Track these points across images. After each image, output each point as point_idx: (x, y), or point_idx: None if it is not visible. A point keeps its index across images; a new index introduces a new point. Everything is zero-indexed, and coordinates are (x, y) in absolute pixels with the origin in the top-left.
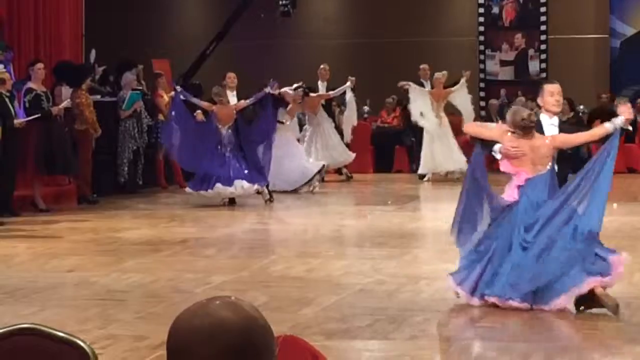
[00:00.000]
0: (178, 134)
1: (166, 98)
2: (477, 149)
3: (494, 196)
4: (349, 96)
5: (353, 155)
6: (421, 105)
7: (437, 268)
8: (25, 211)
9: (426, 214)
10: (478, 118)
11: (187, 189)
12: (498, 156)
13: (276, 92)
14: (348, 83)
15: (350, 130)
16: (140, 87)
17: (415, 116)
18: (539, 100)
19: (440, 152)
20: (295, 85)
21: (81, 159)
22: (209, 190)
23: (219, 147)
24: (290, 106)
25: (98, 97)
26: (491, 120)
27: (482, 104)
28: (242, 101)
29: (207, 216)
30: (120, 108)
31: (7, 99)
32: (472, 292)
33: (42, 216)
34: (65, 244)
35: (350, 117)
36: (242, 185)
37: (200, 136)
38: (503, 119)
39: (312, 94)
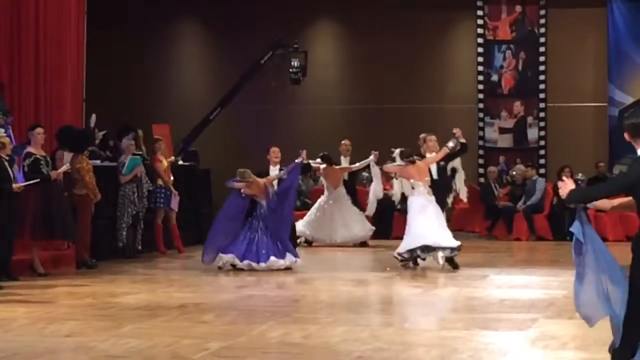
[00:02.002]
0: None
1: (165, 163)
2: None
3: None
4: (375, 169)
5: (373, 228)
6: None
7: (436, 335)
8: (23, 275)
9: (424, 281)
10: (476, 185)
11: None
12: None
13: (305, 161)
14: (372, 157)
15: (375, 202)
16: (140, 152)
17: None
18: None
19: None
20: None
21: (80, 223)
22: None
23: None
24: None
25: (98, 162)
26: (490, 188)
27: (481, 170)
28: (272, 175)
29: (205, 281)
30: (120, 173)
31: (6, 163)
32: None
33: (41, 280)
34: (64, 309)
35: (376, 190)
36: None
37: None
38: (502, 186)
39: (335, 167)
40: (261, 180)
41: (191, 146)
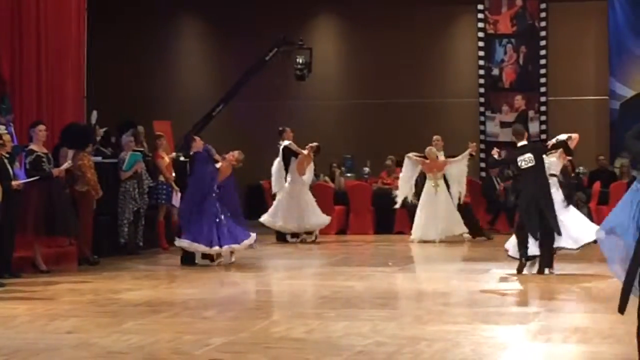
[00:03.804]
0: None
1: (167, 159)
2: None
3: None
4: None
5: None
6: (406, 190)
7: (437, 329)
8: (25, 272)
9: (426, 275)
10: (477, 180)
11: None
12: None
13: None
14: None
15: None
16: (142, 149)
17: (399, 197)
18: None
19: (429, 219)
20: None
21: (82, 220)
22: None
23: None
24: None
25: (99, 158)
26: (492, 183)
27: (482, 165)
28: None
29: (207, 277)
30: (120, 169)
31: (6, 160)
32: None
33: (43, 277)
34: (65, 305)
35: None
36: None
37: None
38: (503, 180)
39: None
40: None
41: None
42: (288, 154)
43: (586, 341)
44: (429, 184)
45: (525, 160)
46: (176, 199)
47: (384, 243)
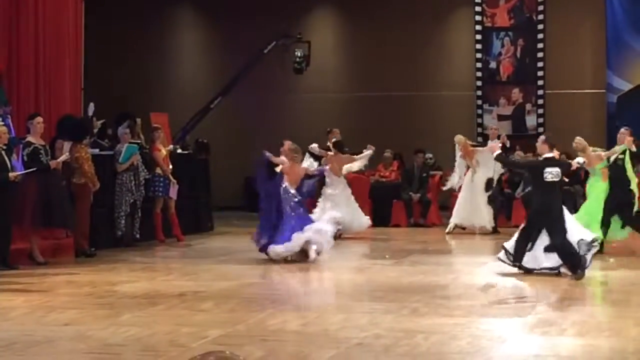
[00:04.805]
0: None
1: (164, 152)
2: None
3: None
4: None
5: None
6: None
7: (434, 322)
8: (22, 264)
9: (424, 268)
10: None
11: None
12: None
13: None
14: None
15: None
16: (139, 141)
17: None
18: None
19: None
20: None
21: (79, 212)
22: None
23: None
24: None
25: (97, 150)
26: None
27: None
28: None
29: (204, 270)
30: (116, 162)
31: (3, 152)
32: None
33: (40, 269)
34: (63, 298)
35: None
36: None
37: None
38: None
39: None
40: (301, 168)
41: (198, 135)
42: (316, 157)
43: (583, 334)
44: (469, 172)
45: (552, 174)
46: (173, 191)
47: (381, 236)
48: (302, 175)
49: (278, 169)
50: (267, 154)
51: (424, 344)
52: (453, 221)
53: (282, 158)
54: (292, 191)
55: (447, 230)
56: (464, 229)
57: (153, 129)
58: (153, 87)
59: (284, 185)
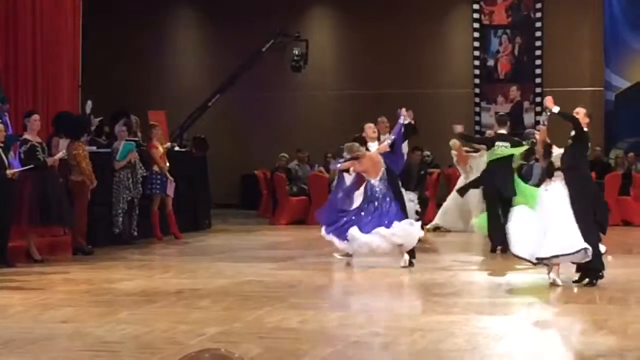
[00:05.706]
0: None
1: (161, 149)
2: None
3: None
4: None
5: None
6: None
7: (432, 320)
8: (19, 262)
9: (421, 266)
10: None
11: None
12: None
13: (410, 120)
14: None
15: None
16: (136, 139)
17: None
18: None
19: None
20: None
21: (77, 210)
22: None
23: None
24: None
25: (94, 148)
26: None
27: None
28: (383, 144)
29: (201, 267)
30: (114, 159)
31: (0, 150)
32: None
33: (37, 267)
34: (60, 295)
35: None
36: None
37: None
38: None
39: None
40: (373, 153)
41: (196, 133)
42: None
43: (581, 332)
44: (461, 177)
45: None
46: (170, 189)
47: None
48: (380, 160)
49: (352, 172)
50: (337, 165)
51: (421, 342)
52: (436, 222)
53: (348, 163)
54: (376, 183)
55: (427, 227)
56: (448, 231)
57: (150, 126)
58: (151, 85)
59: (367, 183)
